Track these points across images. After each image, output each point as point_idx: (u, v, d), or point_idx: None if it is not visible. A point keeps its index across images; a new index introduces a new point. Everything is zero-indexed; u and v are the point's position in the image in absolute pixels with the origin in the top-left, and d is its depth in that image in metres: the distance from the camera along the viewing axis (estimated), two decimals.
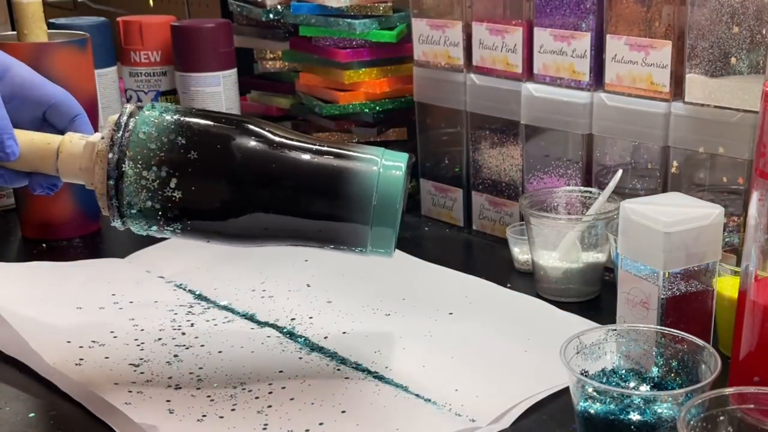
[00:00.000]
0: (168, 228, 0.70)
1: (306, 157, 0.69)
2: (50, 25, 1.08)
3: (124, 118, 0.68)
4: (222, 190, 0.68)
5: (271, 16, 1.18)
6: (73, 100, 0.76)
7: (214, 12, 1.63)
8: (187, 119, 0.69)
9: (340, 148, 0.71)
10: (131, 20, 1.25)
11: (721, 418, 0.60)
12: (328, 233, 0.70)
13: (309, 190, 0.69)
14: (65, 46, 1.03)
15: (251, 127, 0.70)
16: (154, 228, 0.70)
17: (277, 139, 0.70)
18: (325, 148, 0.70)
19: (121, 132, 0.68)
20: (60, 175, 0.71)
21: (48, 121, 0.75)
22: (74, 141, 0.70)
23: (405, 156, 0.72)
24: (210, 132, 0.69)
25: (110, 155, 0.67)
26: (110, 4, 1.81)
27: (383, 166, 0.70)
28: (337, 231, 0.70)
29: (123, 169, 0.67)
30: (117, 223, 0.71)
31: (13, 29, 1.08)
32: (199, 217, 0.69)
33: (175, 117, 0.69)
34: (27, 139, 0.71)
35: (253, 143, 0.69)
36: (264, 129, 0.70)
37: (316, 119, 1.19)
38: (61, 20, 1.26)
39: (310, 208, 0.69)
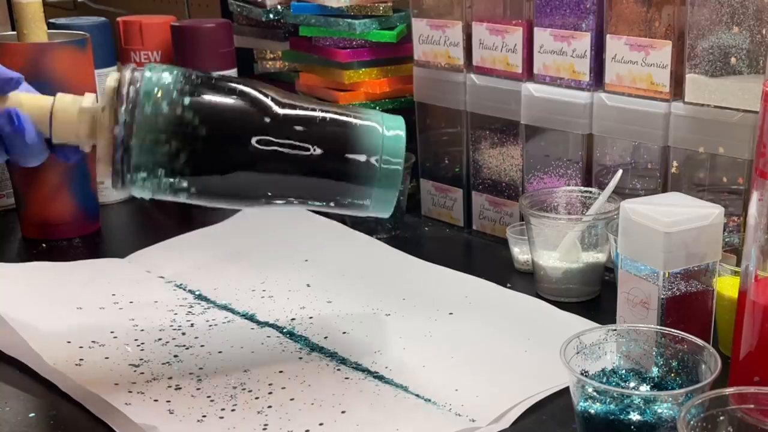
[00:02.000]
0: (174, 196, 0.70)
1: (313, 122, 0.70)
2: (50, 25, 1.08)
3: (125, 88, 0.67)
4: (234, 162, 0.69)
5: (271, 16, 1.18)
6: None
7: (214, 12, 1.63)
8: (196, 95, 0.68)
9: (343, 113, 0.72)
10: (131, 20, 1.25)
11: (721, 418, 0.60)
12: (334, 193, 0.72)
13: (319, 154, 0.70)
14: (65, 46, 1.03)
15: (259, 97, 0.70)
16: (159, 196, 0.70)
17: (283, 111, 0.70)
18: (330, 115, 0.71)
19: (124, 105, 0.66)
20: (53, 139, 0.70)
21: None
22: (66, 106, 0.69)
23: (402, 119, 0.74)
24: (219, 107, 0.69)
25: (116, 130, 0.66)
26: (110, 4, 1.81)
27: (386, 128, 0.72)
28: (342, 191, 0.71)
29: (130, 143, 0.66)
30: (117, 187, 0.70)
31: (13, 29, 1.08)
32: (209, 185, 0.69)
33: (180, 86, 0.68)
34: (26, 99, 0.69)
35: (262, 115, 0.69)
36: (269, 97, 0.70)
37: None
38: (61, 20, 1.25)
39: (319, 170, 0.70)
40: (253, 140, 0.69)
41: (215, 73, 0.72)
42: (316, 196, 0.72)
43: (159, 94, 0.67)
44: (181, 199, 0.70)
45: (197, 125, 0.67)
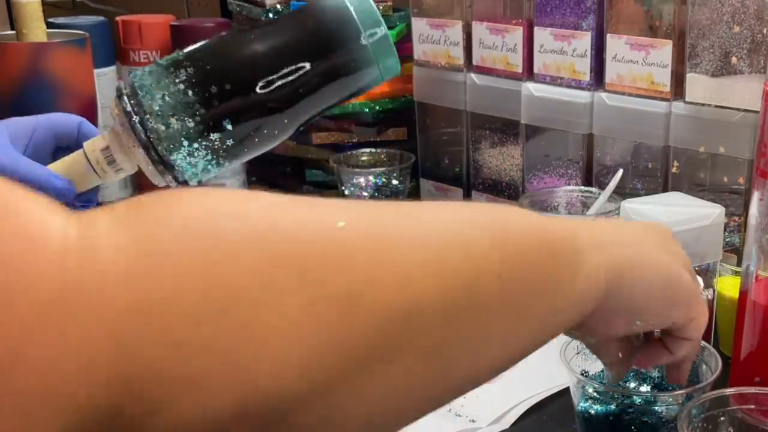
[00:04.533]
0: (223, 159, 0.71)
1: (290, 42, 0.72)
2: (49, 25, 1.08)
3: (123, 99, 0.69)
4: (250, 110, 0.70)
5: (271, 15, 1.18)
6: (63, 115, 0.76)
7: (214, 12, 1.63)
8: (187, 66, 0.69)
9: (303, 14, 0.73)
10: (130, 20, 1.25)
11: (722, 418, 0.60)
12: (347, 87, 0.74)
13: (310, 66, 0.71)
14: (64, 45, 1.03)
15: (240, 46, 0.71)
16: (215, 167, 0.72)
17: (260, 47, 0.71)
18: (294, 18, 0.73)
19: (131, 117, 0.69)
20: (101, 178, 0.73)
21: (61, 148, 0.76)
22: (94, 143, 0.73)
23: None
24: (211, 69, 0.70)
25: (136, 131, 0.68)
26: (109, 3, 1.81)
27: (350, 4, 0.72)
28: (352, 82, 0.73)
29: (151, 136, 0.68)
30: (177, 178, 0.71)
31: (12, 29, 1.08)
32: (240, 134, 0.71)
33: (167, 64, 0.70)
34: (62, 167, 0.73)
35: (249, 53, 0.71)
36: (247, 43, 0.72)
37: (316, 119, 1.19)
38: (61, 20, 1.25)
39: (323, 80, 0.72)
40: (257, 89, 0.70)
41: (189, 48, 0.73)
42: (336, 98, 0.74)
43: (151, 82, 0.68)
44: (231, 160, 0.72)
45: (197, 89, 0.68)
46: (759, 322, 0.67)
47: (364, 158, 1.13)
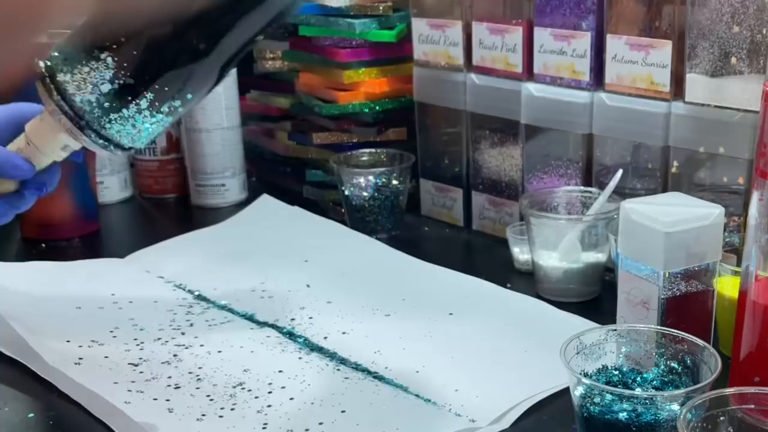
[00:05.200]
0: (153, 118, 0.69)
1: None
2: None
3: (53, 91, 0.68)
4: (171, 57, 0.68)
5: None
6: (28, 104, 0.75)
7: None
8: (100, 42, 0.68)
9: None
10: None
11: (722, 418, 0.60)
12: (265, 17, 0.69)
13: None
14: None
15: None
16: (142, 126, 0.69)
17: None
18: None
19: (52, 95, 0.68)
20: (42, 153, 0.72)
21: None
22: (32, 124, 0.73)
23: None
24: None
25: (61, 108, 0.68)
26: None
27: None
28: (268, 10, 0.69)
29: (75, 103, 0.67)
30: (111, 149, 0.70)
31: None
32: (166, 83, 0.68)
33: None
34: (14, 148, 0.73)
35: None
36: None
37: (316, 119, 1.19)
38: None
39: (233, 13, 0.68)
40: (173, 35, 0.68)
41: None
42: (255, 28, 0.70)
43: (64, 56, 0.68)
44: (169, 116, 0.70)
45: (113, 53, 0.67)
46: (759, 322, 0.67)
47: (364, 158, 1.13)
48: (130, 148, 0.71)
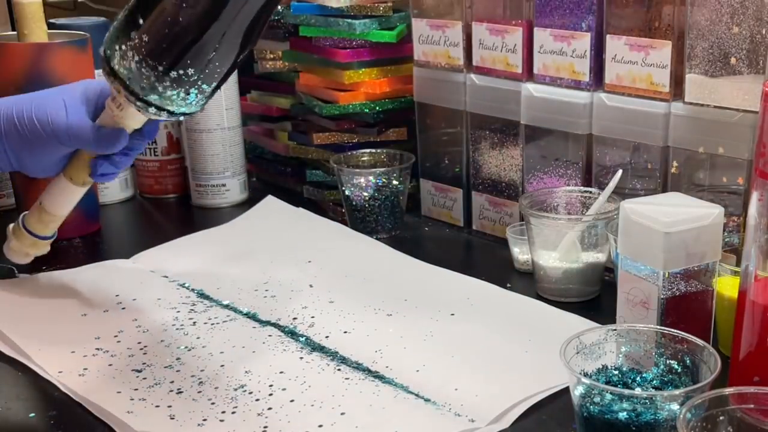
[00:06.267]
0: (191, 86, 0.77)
1: None
2: (50, 25, 1.08)
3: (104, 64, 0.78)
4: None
5: (271, 16, 1.18)
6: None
7: None
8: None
9: None
10: None
11: (721, 418, 0.60)
12: None
13: None
14: (65, 46, 1.03)
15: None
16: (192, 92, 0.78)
17: None
18: None
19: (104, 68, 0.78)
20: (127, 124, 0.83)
21: None
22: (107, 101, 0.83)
23: None
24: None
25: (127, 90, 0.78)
26: (110, 4, 1.81)
27: None
28: None
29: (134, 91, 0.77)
30: (168, 112, 0.79)
31: (14, 29, 1.08)
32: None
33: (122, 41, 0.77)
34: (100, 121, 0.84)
35: None
36: None
37: (316, 119, 1.19)
38: (61, 20, 1.25)
39: None
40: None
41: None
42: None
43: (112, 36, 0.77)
44: (209, 84, 0.78)
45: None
46: (758, 321, 0.67)
47: (364, 158, 1.13)
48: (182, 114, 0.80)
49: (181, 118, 0.81)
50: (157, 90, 0.76)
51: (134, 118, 0.83)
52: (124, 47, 0.76)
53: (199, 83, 0.77)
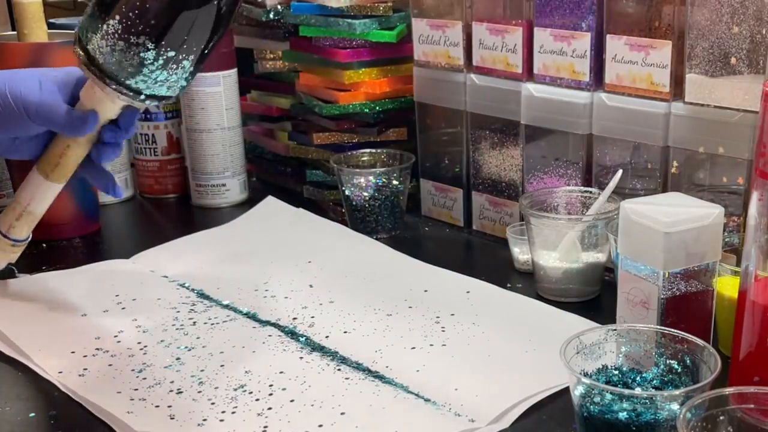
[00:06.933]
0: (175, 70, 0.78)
1: None
2: (50, 25, 1.08)
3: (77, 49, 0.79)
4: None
5: (271, 16, 1.18)
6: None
7: None
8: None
9: None
10: None
11: (721, 418, 0.60)
12: None
13: None
14: (65, 46, 1.03)
15: None
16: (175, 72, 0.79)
17: None
18: None
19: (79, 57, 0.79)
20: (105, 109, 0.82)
21: None
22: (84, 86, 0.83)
23: None
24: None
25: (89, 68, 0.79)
26: None
27: None
28: None
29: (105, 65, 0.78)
30: (148, 102, 0.81)
31: (13, 29, 1.08)
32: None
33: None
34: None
35: None
36: None
37: (316, 119, 1.19)
38: (61, 20, 1.25)
39: None
40: None
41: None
42: None
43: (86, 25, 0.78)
44: (194, 65, 0.80)
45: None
46: (758, 321, 0.67)
47: (364, 158, 1.13)
48: (163, 97, 0.81)
49: (161, 103, 0.82)
50: (137, 71, 0.77)
51: (112, 104, 0.82)
52: (98, 32, 0.77)
53: (180, 60, 0.78)
